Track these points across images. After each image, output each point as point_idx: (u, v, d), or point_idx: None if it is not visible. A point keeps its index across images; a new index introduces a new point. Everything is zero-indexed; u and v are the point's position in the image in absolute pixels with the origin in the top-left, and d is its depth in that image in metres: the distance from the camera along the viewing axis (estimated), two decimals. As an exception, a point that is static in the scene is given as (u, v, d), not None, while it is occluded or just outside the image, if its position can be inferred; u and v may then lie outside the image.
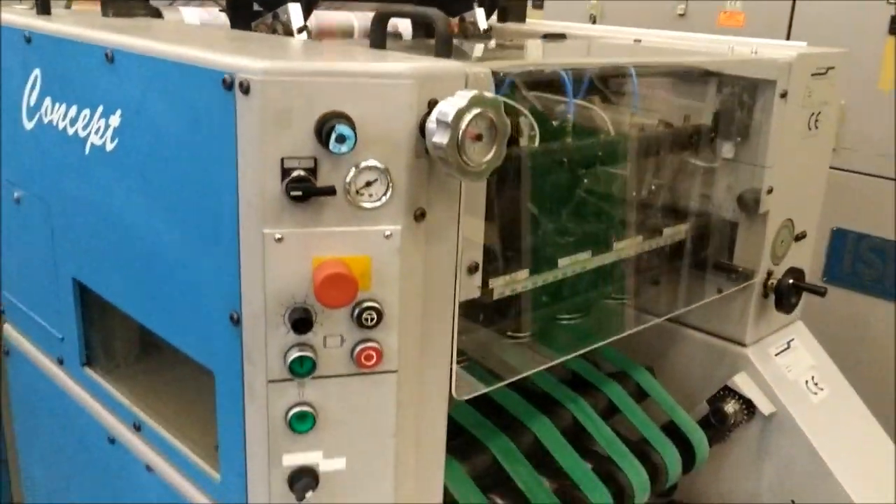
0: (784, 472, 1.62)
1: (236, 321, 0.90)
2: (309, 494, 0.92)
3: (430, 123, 0.83)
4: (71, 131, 1.13)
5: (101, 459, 1.29)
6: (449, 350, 1.00)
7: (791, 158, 1.54)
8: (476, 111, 0.81)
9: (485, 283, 1.12)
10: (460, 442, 1.34)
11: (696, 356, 1.69)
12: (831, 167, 3.23)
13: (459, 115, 0.81)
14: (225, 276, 0.90)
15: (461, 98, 0.82)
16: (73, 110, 1.12)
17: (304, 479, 0.92)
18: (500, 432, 1.38)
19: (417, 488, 1.02)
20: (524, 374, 1.18)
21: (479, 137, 0.83)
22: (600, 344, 1.35)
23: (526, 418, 1.43)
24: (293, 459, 0.93)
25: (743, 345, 1.63)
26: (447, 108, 0.81)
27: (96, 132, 1.07)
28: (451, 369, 1.01)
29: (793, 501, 1.62)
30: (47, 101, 1.18)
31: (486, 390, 1.10)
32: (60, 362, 1.34)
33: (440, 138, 0.82)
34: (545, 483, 1.35)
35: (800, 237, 1.66)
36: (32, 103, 1.22)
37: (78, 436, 1.34)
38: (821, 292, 1.63)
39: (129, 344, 1.28)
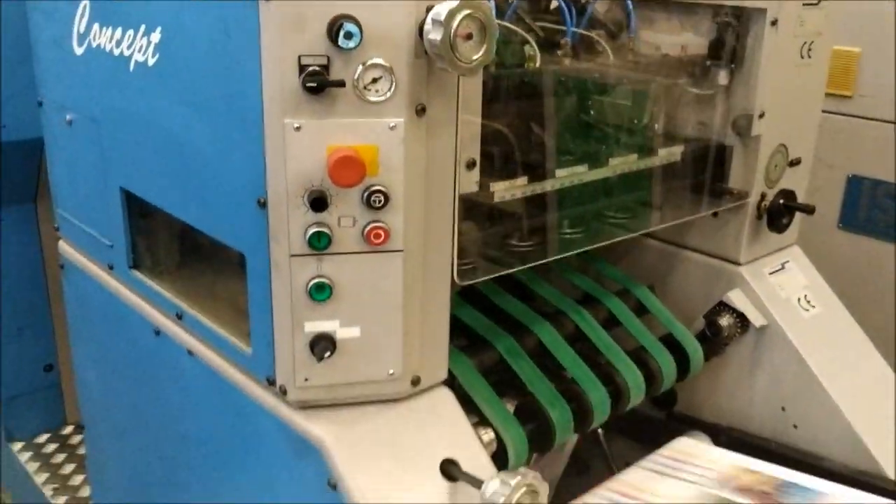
0: (775, 381, 1.73)
1: (263, 204, 1.04)
2: (327, 354, 1.06)
3: (427, 25, 0.95)
4: (117, 52, 1.27)
5: (147, 352, 1.44)
6: (450, 238, 1.13)
7: (783, 85, 1.63)
8: (466, 12, 0.94)
9: (487, 187, 1.25)
10: (470, 342, 1.48)
11: (694, 276, 1.80)
12: (847, 115, 3.29)
13: (451, 14, 0.93)
14: (252, 165, 1.03)
15: (453, 1, 0.94)
16: (118, 32, 1.26)
17: (322, 342, 1.06)
18: (507, 334, 1.51)
19: (423, 362, 1.16)
20: (526, 266, 1.31)
21: (469, 36, 0.95)
22: (598, 245, 1.47)
23: (531, 324, 1.56)
24: (313, 326, 1.07)
25: (738, 264, 1.74)
26: (441, 9, 0.93)
27: (139, 50, 1.21)
28: (452, 255, 1.14)
29: (783, 408, 1.73)
30: (95, 27, 1.32)
31: (487, 277, 1.23)
32: (111, 268, 1.50)
33: (435, 36, 0.94)
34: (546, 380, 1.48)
35: (794, 163, 1.75)
36: (82, 30, 1.37)
37: (126, 333, 1.50)
38: (809, 210, 1.72)
39: (171, 248, 1.43)
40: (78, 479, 2.32)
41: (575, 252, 1.44)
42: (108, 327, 1.58)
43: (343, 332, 1.08)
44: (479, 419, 1.32)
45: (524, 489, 1.03)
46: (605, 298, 1.69)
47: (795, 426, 1.71)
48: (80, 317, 1.72)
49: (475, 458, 1.14)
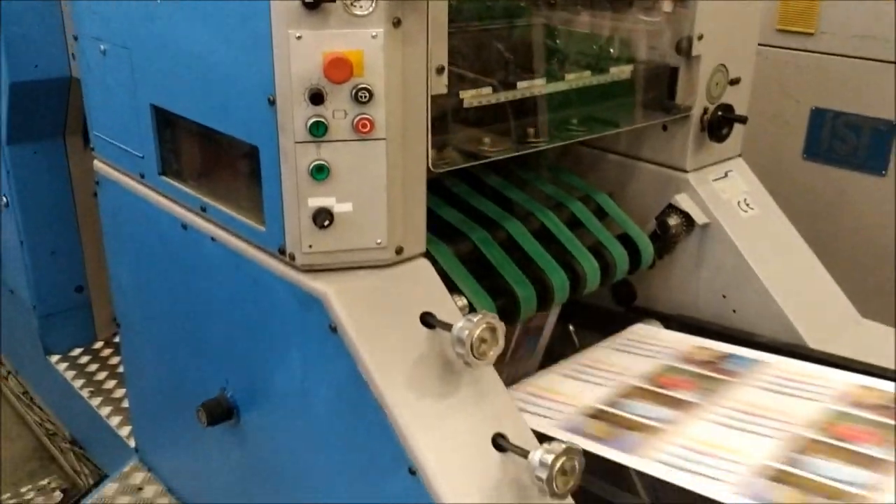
0: (717, 273, 2.00)
1: (272, 102, 1.30)
2: (326, 223, 1.33)
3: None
4: (146, -15, 1.52)
5: (175, 245, 1.71)
6: (425, 130, 1.38)
7: (720, 10, 1.87)
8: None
9: (457, 95, 1.51)
10: (448, 234, 1.74)
11: (647, 184, 2.06)
12: (811, 51, 3.51)
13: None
14: (263, 70, 1.29)
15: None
16: (147, -32, 1.50)
17: (322, 214, 1.33)
18: (481, 228, 1.78)
19: (405, 235, 1.42)
20: (491, 159, 1.57)
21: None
22: (558, 144, 1.74)
23: (502, 220, 1.82)
24: (315, 202, 1.33)
25: (685, 171, 2.00)
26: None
27: (166, -17, 1.46)
28: (427, 145, 1.40)
29: (724, 296, 2.00)
30: (127, -34, 1.57)
31: (457, 167, 1.50)
32: (142, 176, 1.76)
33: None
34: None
35: (734, 82, 2.00)
36: (115, -31, 1.61)
37: (157, 232, 1.77)
38: (742, 120, 1.97)
39: (193, 154, 1.69)
40: (111, 384, 2.61)
41: (535, 150, 1.69)
42: (140, 230, 1.85)
43: (339, 207, 1.34)
44: (456, 293, 1.59)
45: (485, 325, 1.30)
46: (568, 202, 1.96)
47: (734, 310, 1.99)
48: (114, 226, 1.99)
49: (449, 313, 1.40)
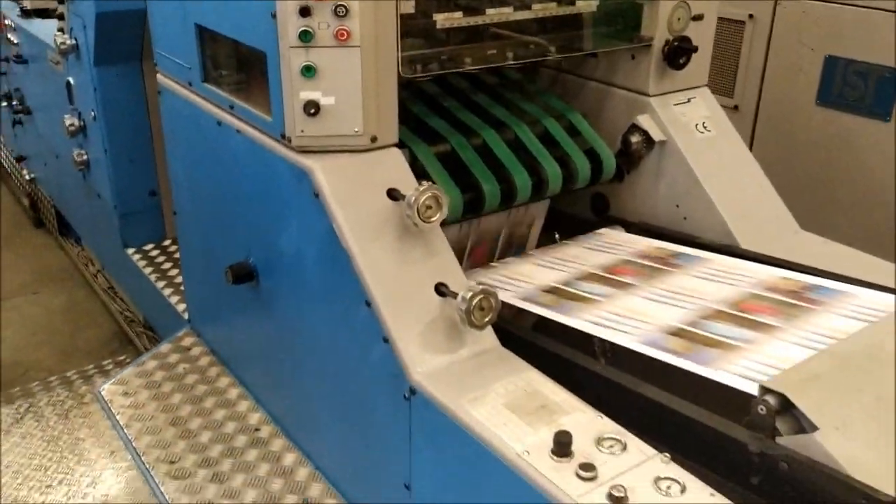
0: (671, 186, 2.30)
1: (274, 16, 1.69)
2: (312, 111, 1.71)
3: None
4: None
5: (212, 139, 2.14)
6: (395, 42, 1.74)
7: (680, -49, 2.15)
8: None
9: (431, 17, 1.87)
10: (429, 136, 2.11)
11: (617, 106, 2.36)
12: (826, 1, 3.69)
13: None
14: (266, -8, 1.68)
15: None
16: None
17: (310, 105, 1.72)
18: (460, 134, 2.14)
19: (379, 127, 1.79)
20: (458, 70, 1.92)
21: None
22: (522, 62, 2.07)
23: (479, 129, 2.17)
24: (305, 95, 1.72)
25: (648, 95, 2.30)
26: None
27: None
28: (397, 55, 1.76)
29: (677, 206, 2.30)
30: (177, -89, 1.98)
31: (425, 75, 1.86)
32: (189, 84, 2.19)
33: None
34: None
35: (697, 18, 2.27)
36: (169, -86, 2.02)
37: (199, 129, 2.20)
38: (693, 49, 2.24)
39: (226, 64, 2.10)
40: (174, 273, 3.09)
41: (501, 65, 2.04)
42: (188, 129, 2.29)
43: (324, 100, 1.73)
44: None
45: (430, 194, 1.67)
46: (543, 119, 2.29)
47: (685, 218, 2.29)
48: (171, 128, 2.44)
49: (413, 189, 1.77)
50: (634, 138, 2.30)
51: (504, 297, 1.93)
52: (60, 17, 3.26)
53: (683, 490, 1.32)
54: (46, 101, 3.74)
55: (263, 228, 2.04)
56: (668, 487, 1.32)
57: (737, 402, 1.44)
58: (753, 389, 1.39)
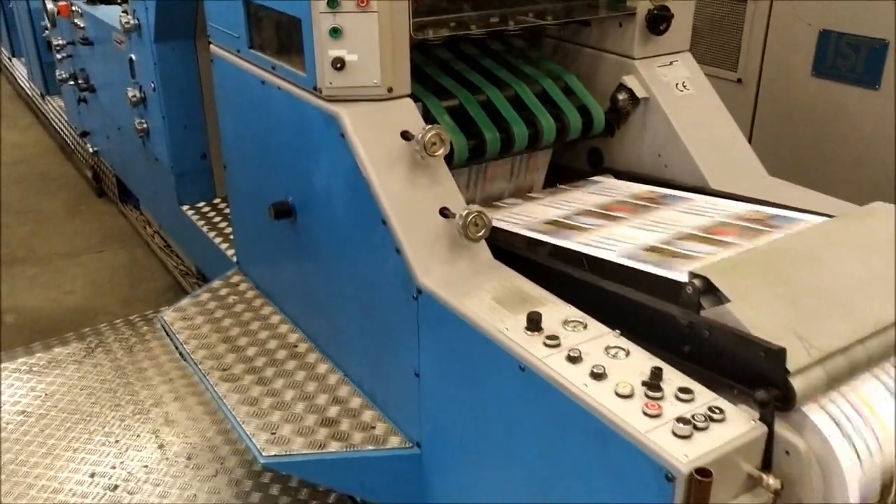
0: (654, 138, 2.63)
1: (307, -12, 2.06)
2: (339, 66, 2.08)
3: None
4: (239, -84, 2.31)
5: (258, 98, 2.52)
6: (407, 8, 2.11)
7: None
8: None
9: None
10: (440, 93, 2.47)
11: (608, 69, 2.69)
12: (819, -22, 3.97)
13: None
14: (302, -34, 2.05)
15: None
16: None
17: (338, 61, 2.09)
18: (466, 90, 2.50)
19: (395, 80, 2.16)
20: (470, 34, 2.28)
21: None
22: (520, 28, 2.41)
23: (484, 87, 2.53)
24: (333, 52, 2.09)
25: (633, 58, 2.63)
26: None
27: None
28: (409, 18, 2.12)
29: (659, 155, 2.63)
30: None
31: (435, 37, 2.22)
32: (237, 51, 2.58)
33: None
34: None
35: (677, -10, 2.60)
36: None
37: (246, 90, 2.58)
38: (670, 16, 2.56)
39: (269, 32, 2.48)
40: (223, 225, 3.50)
41: (502, 30, 2.39)
42: (237, 90, 2.68)
43: (348, 57, 2.10)
44: (439, 130, 2.32)
45: (434, 132, 2.03)
46: (541, 79, 2.64)
47: (665, 166, 2.62)
48: (222, 92, 2.83)
49: (421, 129, 2.13)
50: (621, 96, 2.63)
51: (513, 228, 2.29)
52: (124, 1, 3.70)
53: (628, 354, 1.67)
54: (110, 79, 4.18)
55: (299, 170, 2.42)
56: (616, 353, 1.67)
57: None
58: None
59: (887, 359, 1.68)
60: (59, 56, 4.84)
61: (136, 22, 3.50)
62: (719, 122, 2.65)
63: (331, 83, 2.14)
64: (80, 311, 3.90)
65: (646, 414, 1.49)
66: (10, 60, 7.35)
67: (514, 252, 2.13)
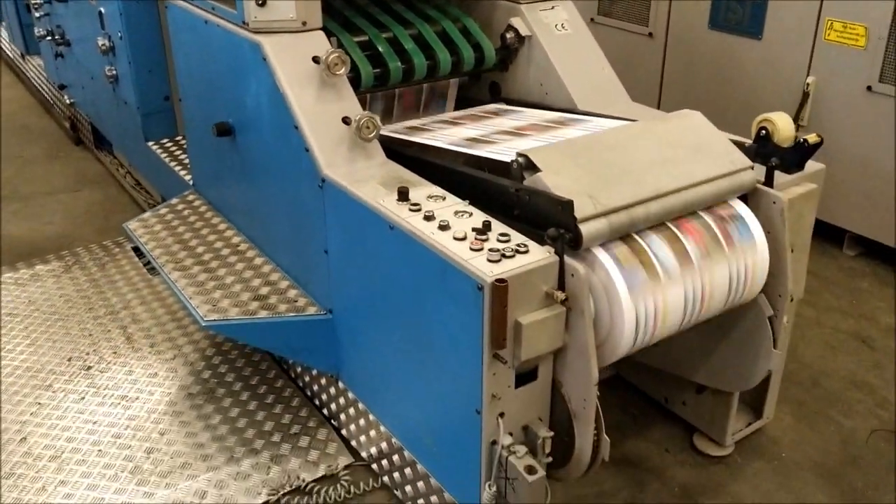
0: (537, 70, 3.14)
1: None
2: (261, 3, 2.58)
3: None
4: None
5: (200, 36, 3.02)
6: (316, -43, 2.61)
7: None
8: None
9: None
10: (353, 30, 2.97)
11: (499, 15, 3.20)
12: (712, -59, 4.50)
13: None
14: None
15: None
16: None
17: (260, 0, 2.59)
18: (375, 28, 3.00)
19: (308, 15, 2.66)
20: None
21: None
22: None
23: (391, 25, 3.04)
24: (256, -8, 2.60)
25: (519, 3, 3.14)
26: None
27: None
28: (318, -34, 2.62)
29: (541, 84, 3.14)
30: None
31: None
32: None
33: None
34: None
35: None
36: None
37: (191, 30, 3.08)
38: None
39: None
40: (183, 157, 4.00)
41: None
42: (186, 30, 3.18)
43: (269, -4, 2.60)
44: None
45: (336, 53, 2.54)
46: (443, 21, 3.15)
47: (546, 94, 3.14)
48: (175, 33, 3.33)
49: (327, 54, 2.63)
50: (509, 34, 3.15)
51: (399, 135, 2.82)
52: (94, -38, 4.17)
53: (471, 216, 2.20)
54: (83, 33, 4.65)
55: (235, 94, 2.92)
56: (462, 215, 2.20)
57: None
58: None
59: (667, 220, 2.23)
60: (37, 15, 5.28)
61: (104, -22, 3.97)
62: (592, 57, 3.17)
63: (255, 17, 2.64)
64: (59, 239, 4.39)
65: (471, 249, 2.03)
66: (-8, 25, 7.76)
67: (399, 152, 2.65)
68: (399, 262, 2.25)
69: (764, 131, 2.45)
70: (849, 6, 3.85)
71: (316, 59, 2.60)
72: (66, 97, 5.47)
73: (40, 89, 6.35)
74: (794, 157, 2.43)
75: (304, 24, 2.67)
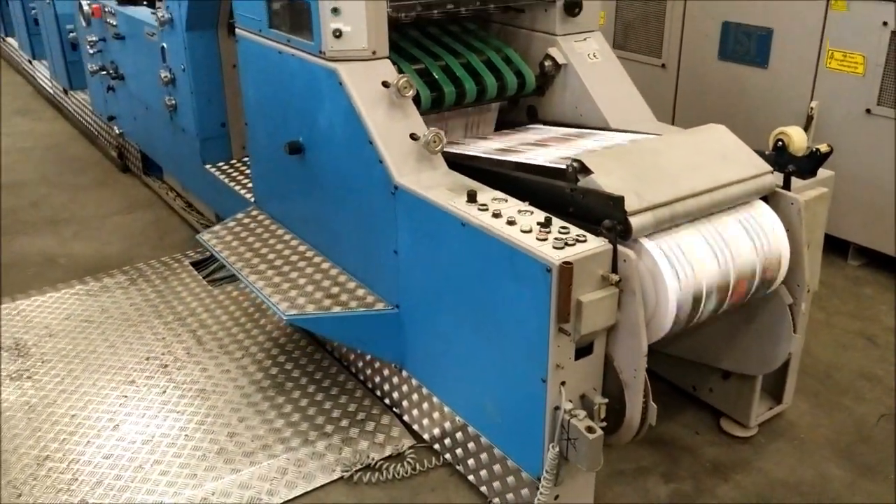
0: (572, 94, 3.52)
1: (315, -21, 2.94)
2: (337, 34, 2.96)
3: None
4: (264, -70, 3.19)
5: (277, 66, 3.39)
6: (386, -5, 2.99)
7: (571, -58, 3.38)
8: None
9: (408, -18, 3.12)
10: (411, 60, 3.35)
11: (537, 44, 3.59)
12: (720, -20, 4.91)
13: None
14: (311, -35, 2.94)
15: None
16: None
17: (337, 31, 2.97)
18: (431, 58, 3.38)
19: (377, 46, 3.03)
20: (433, 15, 3.17)
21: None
22: (473, 10, 3.31)
23: (444, 56, 3.42)
24: (334, 25, 2.97)
25: (555, 35, 3.52)
26: None
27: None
28: (387, 3, 3.00)
29: (576, 107, 3.52)
30: (255, -79, 3.25)
31: (408, 16, 3.10)
32: (259, 31, 3.46)
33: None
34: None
35: (587, -17, 3.50)
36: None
37: (265, 61, 3.45)
38: (580, 3, 3.46)
39: (284, 14, 3.35)
40: (240, 177, 4.36)
41: (452, 12, 3.28)
42: (257, 62, 3.56)
43: (344, 28, 2.97)
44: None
45: (405, 79, 2.91)
46: (488, 52, 3.53)
47: (581, 115, 3.51)
48: (245, 65, 3.71)
49: (397, 79, 3.00)
50: (547, 63, 3.53)
51: (469, 151, 3.18)
52: (151, 4, 4.58)
53: (532, 213, 2.55)
54: (140, 67, 5.04)
55: (308, 116, 3.28)
56: (524, 213, 2.55)
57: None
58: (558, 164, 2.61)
59: (702, 216, 2.58)
60: (91, 51, 5.68)
61: (170, 16, 4.37)
62: (621, 82, 3.55)
63: (332, 47, 3.01)
64: (120, 256, 4.73)
65: (538, 239, 2.37)
66: (31, 63, 8.18)
67: (460, 163, 3.01)
68: (469, 254, 2.59)
69: (780, 142, 2.82)
70: (848, 37, 4.25)
71: (386, 84, 2.97)
72: (115, 128, 5.85)
73: (84, 121, 6.73)
74: (808, 164, 2.79)
75: (373, 52, 3.04)
